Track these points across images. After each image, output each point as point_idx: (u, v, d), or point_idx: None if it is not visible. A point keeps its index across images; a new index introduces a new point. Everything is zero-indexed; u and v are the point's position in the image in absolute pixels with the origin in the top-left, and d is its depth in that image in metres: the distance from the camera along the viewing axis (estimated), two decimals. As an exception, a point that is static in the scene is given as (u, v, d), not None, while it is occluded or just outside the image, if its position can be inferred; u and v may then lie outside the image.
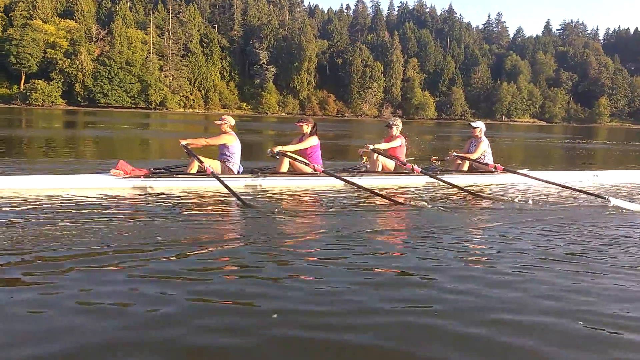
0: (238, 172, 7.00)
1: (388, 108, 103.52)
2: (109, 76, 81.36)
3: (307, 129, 7.37)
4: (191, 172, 6.68)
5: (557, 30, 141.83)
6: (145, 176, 6.37)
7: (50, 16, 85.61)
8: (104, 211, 5.06)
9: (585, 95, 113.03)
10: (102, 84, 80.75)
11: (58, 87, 78.58)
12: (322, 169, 7.01)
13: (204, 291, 3.04)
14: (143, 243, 3.95)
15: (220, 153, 7.03)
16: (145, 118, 50.21)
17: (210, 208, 5.58)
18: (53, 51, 79.23)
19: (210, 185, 6.46)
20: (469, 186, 7.30)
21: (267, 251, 3.90)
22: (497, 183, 7.96)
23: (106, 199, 5.72)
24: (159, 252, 3.75)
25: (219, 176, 6.23)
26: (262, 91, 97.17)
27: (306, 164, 7.05)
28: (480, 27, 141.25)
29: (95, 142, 16.98)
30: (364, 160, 8.04)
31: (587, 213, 5.88)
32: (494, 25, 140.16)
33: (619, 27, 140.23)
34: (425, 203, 6.08)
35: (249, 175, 6.92)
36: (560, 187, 7.29)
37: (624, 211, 5.99)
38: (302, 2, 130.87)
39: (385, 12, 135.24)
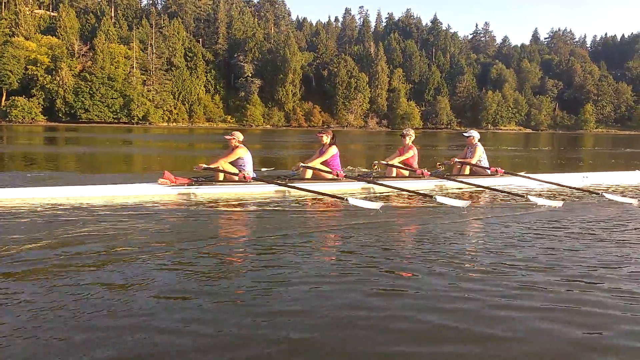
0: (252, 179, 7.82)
1: (373, 118, 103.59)
2: (91, 91, 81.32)
3: (326, 139, 8.14)
4: (230, 179, 7.49)
5: (545, 38, 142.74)
6: (189, 184, 7.18)
7: (33, 33, 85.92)
8: (158, 213, 5.95)
9: (571, 103, 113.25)
10: (83, 99, 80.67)
11: (39, 104, 78.46)
12: (345, 174, 7.98)
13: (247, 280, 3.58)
14: (199, 238, 4.71)
15: (235, 165, 7.74)
16: (127, 133, 50.00)
17: (249, 209, 6.49)
18: (34, 68, 79.27)
19: (245, 191, 7.34)
20: (478, 185, 8.21)
21: (306, 244, 4.61)
22: (498, 184, 8.57)
23: (158, 203, 6.62)
24: (215, 246, 4.54)
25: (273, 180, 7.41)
26: (247, 104, 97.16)
27: (329, 172, 7.92)
28: (469, 36, 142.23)
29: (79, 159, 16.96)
30: (375, 167, 8.87)
31: (587, 206, 6.91)
32: (481, 35, 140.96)
33: (606, 34, 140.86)
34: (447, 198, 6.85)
35: (277, 180, 7.73)
36: (559, 187, 8.21)
37: (615, 203, 7.06)
38: (290, 15, 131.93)
39: (372, 23, 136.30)
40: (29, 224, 5.18)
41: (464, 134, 9.33)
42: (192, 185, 7.18)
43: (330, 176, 7.86)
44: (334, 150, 8.06)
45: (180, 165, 14.08)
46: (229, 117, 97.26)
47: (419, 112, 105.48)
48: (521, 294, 3.33)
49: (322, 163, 7.99)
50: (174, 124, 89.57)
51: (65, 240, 4.53)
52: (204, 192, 7.17)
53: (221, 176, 7.55)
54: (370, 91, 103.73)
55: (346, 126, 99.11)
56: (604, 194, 7.41)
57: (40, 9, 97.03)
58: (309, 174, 7.96)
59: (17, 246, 4.25)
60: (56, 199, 6.54)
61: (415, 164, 8.66)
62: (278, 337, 2.68)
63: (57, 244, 4.40)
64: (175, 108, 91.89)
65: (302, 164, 7.93)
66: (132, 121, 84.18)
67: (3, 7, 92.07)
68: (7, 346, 2.51)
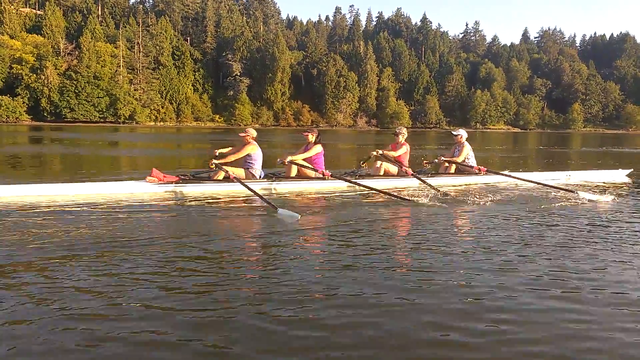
0: (260, 176, 7.98)
1: (362, 118, 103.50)
2: (76, 90, 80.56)
3: (312, 138, 8.33)
4: (217, 178, 7.63)
5: (535, 37, 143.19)
6: (176, 182, 7.30)
7: (19, 31, 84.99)
8: (144, 210, 6.07)
9: (559, 102, 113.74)
10: (68, 98, 79.90)
11: (23, 103, 77.63)
12: (330, 173, 8.08)
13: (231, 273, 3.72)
14: (183, 235, 4.87)
15: (244, 161, 7.95)
16: (113, 132, 49.35)
17: (230, 207, 6.59)
18: (19, 67, 78.40)
19: (231, 189, 7.47)
20: (454, 185, 8.61)
21: (280, 242, 4.74)
22: (481, 183, 9.01)
23: (145, 201, 6.73)
24: (194, 241, 4.63)
25: (244, 181, 7.32)
26: (236, 103, 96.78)
27: (314, 170, 8.07)
28: (459, 36, 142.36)
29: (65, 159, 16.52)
30: (363, 165, 9.20)
31: (560, 204, 7.02)
32: (471, 34, 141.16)
33: (595, 33, 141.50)
34: (424, 199, 7.09)
35: (265, 180, 7.91)
36: (537, 185, 8.46)
37: (589, 201, 7.23)
38: (280, 14, 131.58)
39: (363, 22, 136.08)
40: (17, 222, 5.24)
41: (453, 132, 9.65)
42: (179, 183, 7.34)
43: (314, 174, 8.08)
44: (318, 148, 8.28)
45: (168, 164, 14.23)
46: (217, 116, 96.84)
47: (408, 111, 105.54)
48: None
49: (306, 160, 8.17)
50: (161, 123, 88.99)
51: (53, 236, 4.64)
52: (191, 190, 7.32)
53: (293, 172, 8.01)
54: (360, 90, 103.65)
55: (335, 125, 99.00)
56: (578, 192, 7.60)
57: (26, 7, 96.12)
58: (294, 171, 8.14)
59: (3, 243, 4.36)
60: (43, 196, 6.64)
61: (406, 162, 8.98)
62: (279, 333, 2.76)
63: (43, 240, 4.49)
64: (162, 107, 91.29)
65: (289, 157, 8.10)
66: (119, 120, 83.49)
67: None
68: None
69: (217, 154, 7.88)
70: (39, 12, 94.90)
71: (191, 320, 2.88)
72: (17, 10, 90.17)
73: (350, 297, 3.27)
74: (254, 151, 7.93)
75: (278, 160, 8.25)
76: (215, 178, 7.67)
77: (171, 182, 7.28)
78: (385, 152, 8.89)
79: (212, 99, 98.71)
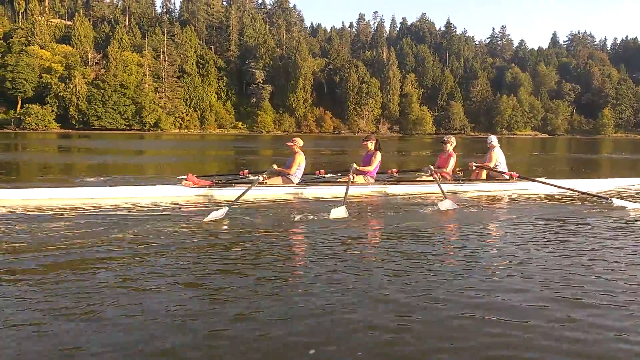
0: (298, 183, 8.14)
1: (385, 124, 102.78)
2: (103, 99, 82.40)
3: (371, 145, 8.61)
4: (268, 183, 7.89)
5: (565, 41, 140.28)
6: (210, 186, 7.58)
7: (49, 42, 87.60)
8: (179, 213, 6.32)
9: (589, 107, 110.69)
10: (95, 107, 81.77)
11: (52, 111, 79.78)
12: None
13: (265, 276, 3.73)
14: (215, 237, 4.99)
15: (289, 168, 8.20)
16: (139, 139, 50.10)
17: (263, 211, 6.65)
18: (48, 76, 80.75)
19: (261, 194, 7.65)
20: (487, 191, 8.57)
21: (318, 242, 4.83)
22: (514, 189, 8.85)
23: (180, 204, 7.02)
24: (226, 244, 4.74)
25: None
26: (258, 110, 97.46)
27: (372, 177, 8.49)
28: (486, 41, 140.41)
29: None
30: (459, 172, 9.47)
31: (594, 210, 6.91)
32: (498, 39, 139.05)
33: (627, 36, 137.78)
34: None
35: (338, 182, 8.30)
36: (570, 191, 8.25)
37: (623, 207, 7.04)
38: (303, 21, 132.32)
39: (387, 29, 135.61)
40: (66, 223, 5.47)
41: (487, 138, 9.74)
42: (213, 187, 7.61)
43: (372, 180, 8.45)
44: (379, 156, 8.56)
45: (198, 169, 14.71)
46: (240, 123, 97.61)
47: (432, 117, 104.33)
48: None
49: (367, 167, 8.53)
50: (185, 130, 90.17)
51: (98, 236, 4.87)
52: (224, 194, 7.54)
53: (279, 179, 8.16)
54: (382, 96, 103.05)
55: (357, 132, 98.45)
56: (612, 199, 7.39)
57: (56, 19, 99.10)
58: (359, 179, 8.39)
59: (50, 243, 4.53)
60: (87, 199, 7.02)
61: (451, 170, 9.09)
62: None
63: (90, 239, 4.72)
64: (187, 115, 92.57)
65: (355, 166, 8.29)
66: (144, 128, 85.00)
67: (20, 16, 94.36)
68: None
69: (274, 167, 8.21)
70: (68, 22, 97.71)
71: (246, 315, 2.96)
72: (47, 21, 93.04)
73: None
74: (303, 161, 8.23)
75: (352, 170, 8.25)
76: (269, 183, 7.97)
77: (205, 186, 7.57)
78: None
79: (235, 107, 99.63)
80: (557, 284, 3.60)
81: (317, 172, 9.25)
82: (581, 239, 5.14)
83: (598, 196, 7.69)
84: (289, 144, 8.33)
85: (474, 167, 9.26)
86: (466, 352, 2.55)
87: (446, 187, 8.36)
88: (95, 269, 3.81)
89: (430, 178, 8.55)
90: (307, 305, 3.11)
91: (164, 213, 6.23)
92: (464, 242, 4.98)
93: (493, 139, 9.46)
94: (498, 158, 9.19)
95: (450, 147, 9.03)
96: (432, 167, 8.57)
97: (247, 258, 4.21)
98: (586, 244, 4.91)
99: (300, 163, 8.15)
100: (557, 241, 5.03)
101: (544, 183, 8.66)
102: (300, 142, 8.35)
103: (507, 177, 9.00)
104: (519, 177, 8.93)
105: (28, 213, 6.08)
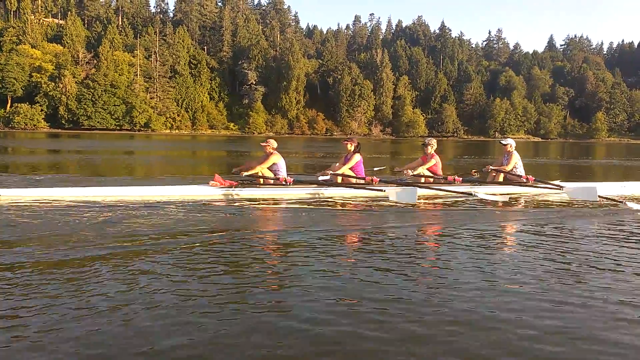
0: (290, 182, 8.38)
1: (377, 126, 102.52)
2: (93, 99, 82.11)
3: (350, 147, 8.78)
4: (268, 183, 8.33)
5: (561, 45, 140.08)
6: (235, 186, 8.02)
7: (40, 41, 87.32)
8: (211, 210, 6.84)
9: (583, 111, 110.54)
10: (85, 106, 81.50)
11: (41, 110, 79.54)
12: (378, 179, 8.56)
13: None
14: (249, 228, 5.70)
15: (272, 170, 8.48)
16: (129, 140, 50.01)
17: (283, 207, 7.38)
18: (38, 75, 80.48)
19: (284, 192, 8.16)
20: (502, 194, 8.47)
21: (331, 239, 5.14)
22: (529, 192, 8.96)
23: (210, 202, 7.53)
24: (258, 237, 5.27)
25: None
26: (250, 111, 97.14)
27: (360, 178, 8.59)
28: (482, 44, 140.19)
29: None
30: (474, 172, 9.64)
31: (608, 214, 7.04)
32: (494, 42, 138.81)
33: (622, 40, 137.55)
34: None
35: (312, 185, 8.53)
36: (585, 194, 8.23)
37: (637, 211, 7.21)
38: (299, 22, 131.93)
39: (383, 31, 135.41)
40: (100, 218, 5.91)
41: (501, 141, 9.65)
42: (238, 187, 8.07)
43: (354, 181, 8.60)
44: (357, 157, 8.72)
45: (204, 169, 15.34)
46: (232, 124, 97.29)
47: (425, 119, 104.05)
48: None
49: (351, 169, 8.71)
50: (177, 131, 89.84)
51: (133, 230, 5.28)
52: (248, 194, 8.02)
53: (261, 180, 8.48)
54: (375, 99, 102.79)
55: (350, 134, 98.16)
56: (626, 202, 7.54)
57: (49, 18, 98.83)
58: (339, 179, 8.73)
59: (83, 237, 4.87)
60: (119, 196, 7.52)
61: (440, 171, 9.21)
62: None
63: (125, 233, 5.10)
64: (178, 115, 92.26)
65: (331, 172, 8.71)
66: (134, 128, 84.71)
67: (12, 15, 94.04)
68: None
69: (234, 171, 8.55)
70: (61, 22, 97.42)
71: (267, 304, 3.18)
72: (39, 20, 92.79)
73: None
74: (278, 160, 8.48)
75: (318, 177, 8.70)
76: (267, 183, 8.36)
77: (231, 186, 8.04)
78: (418, 171, 9.19)
79: (228, 107, 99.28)
80: (572, 289, 3.65)
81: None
82: (594, 245, 5.11)
83: (614, 200, 7.79)
84: (263, 144, 8.63)
85: (490, 170, 9.40)
86: (466, 352, 2.62)
87: (462, 189, 8.61)
88: (143, 262, 4.09)
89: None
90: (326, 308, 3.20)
91: (194, 209, 6.79)
92: (473, 244, 5.05)
93: (512, 143, 9.53)
94: (517, 162, 9.28)
95: (431, 149, 9.21)
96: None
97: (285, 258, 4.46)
98: (603, 247, 4.97)
99: (275, 162, 8.45)
100: (571, 245, 5.06)
101: (558, 187, 8.75)
102: (274, 143, 8.66)
103: (524, 180, 9.09)
104: (535, 180, 9.05)
105: (63, 208, 6.53)
